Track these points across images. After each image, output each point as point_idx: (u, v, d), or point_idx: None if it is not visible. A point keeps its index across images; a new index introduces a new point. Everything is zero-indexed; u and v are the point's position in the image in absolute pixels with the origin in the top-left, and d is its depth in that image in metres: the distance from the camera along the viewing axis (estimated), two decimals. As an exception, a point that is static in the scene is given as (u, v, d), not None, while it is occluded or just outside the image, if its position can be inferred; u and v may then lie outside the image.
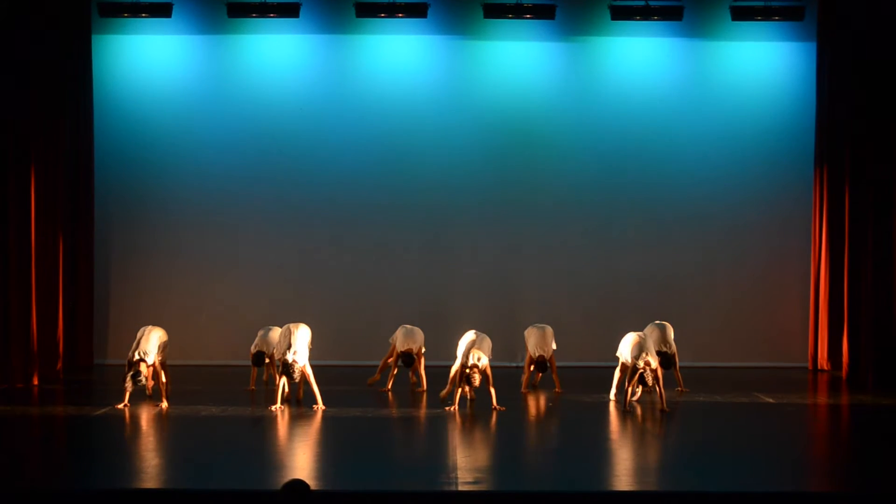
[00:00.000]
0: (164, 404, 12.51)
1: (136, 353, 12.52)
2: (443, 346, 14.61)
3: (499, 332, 15.81)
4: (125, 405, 12.43)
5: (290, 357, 12.42)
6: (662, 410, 12.46)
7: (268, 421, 12.07)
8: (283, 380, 12.50)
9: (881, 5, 14.69)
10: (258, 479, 9.43)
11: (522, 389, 13.81)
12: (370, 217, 16.51)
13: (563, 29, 16.40)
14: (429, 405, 13.00)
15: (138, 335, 12.77)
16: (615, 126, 16.49)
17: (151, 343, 12.67)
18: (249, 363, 14.02)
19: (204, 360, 15.92)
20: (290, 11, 15.81)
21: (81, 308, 15.90)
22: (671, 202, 16.53)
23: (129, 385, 12.40)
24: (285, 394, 12.57)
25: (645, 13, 15.84)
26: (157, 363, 12.62)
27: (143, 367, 12.42)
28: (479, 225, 16.54)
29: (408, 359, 13.70)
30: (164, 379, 12.64)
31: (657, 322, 13.81)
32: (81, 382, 14.86)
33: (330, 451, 10.88)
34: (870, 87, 14.80)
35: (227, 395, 13.38)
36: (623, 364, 12.92)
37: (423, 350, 13.90)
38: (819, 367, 15.96)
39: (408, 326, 13.95)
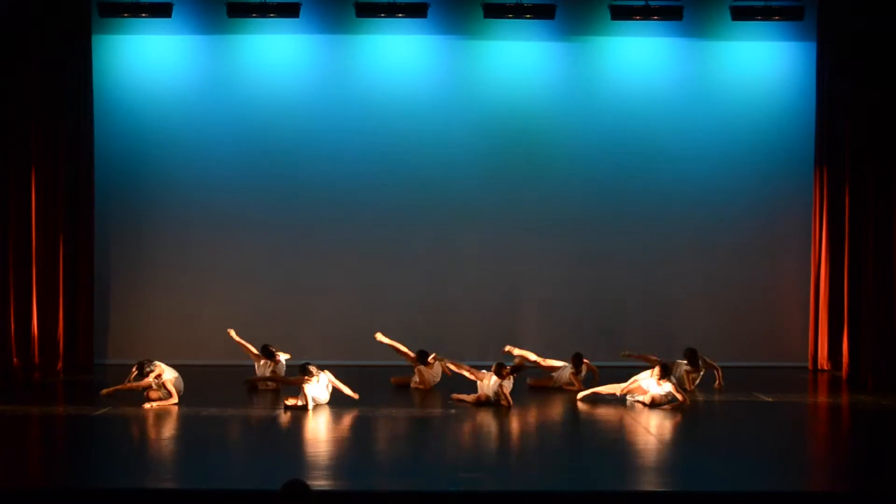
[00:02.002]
0: (174, 400, 12.62)
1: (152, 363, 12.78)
2: (444, 344, 14.62)
3: (500, 332, 15.85)
4: (129, 382, 12.63)
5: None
6: (681, 406, 12.54)
7: (268, 421, 12.08)
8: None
9: (881, 5, 14.69)
10: (258, 479, 9.42)
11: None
12: (370, 215, 16.50)
13: (563, 29, 16.39)
14: (430, 405, 13.01)
15: None
16: (615, 126, 16.48)
17: (169, 368, 12.85)
18: (250, 363, 14.10)
19: (204, 360, 15.90)
20: (290, 11, 15.80)
21: (81, 308, 15.88)
22: (671, 201, 16.52)
23: (133, 371, 12.66)
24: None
25: (645, 13, 15.84)
26: (166, 383, 12.72)
27: (157, 368, 12.64)
28: (479, 223, 16.53)
29: (422, 355, 13.91)
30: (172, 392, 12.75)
31: None
32: (81, 382, 14.86)
33: (330, 450, 10.87)
34: (869, 86, 14.79)
35: (227, 395, 13.37)
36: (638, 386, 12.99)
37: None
38: (819, 367, 15.96)
39: None
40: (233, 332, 14.42)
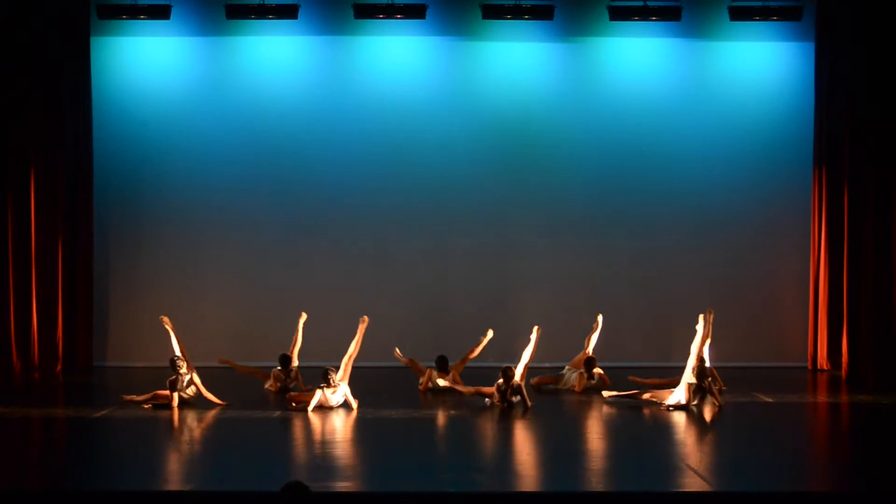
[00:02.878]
0: (175, 402, 12.62)
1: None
2: (442, 346, 14.62)
3: (498, 332, 15.83)
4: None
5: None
6: (684, 408, 12.55)
7: (267, 422, 12.08)
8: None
9: (879, 5, 14.69)
10: (258, 481, 9.42)
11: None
12: (369, 217, 16.51)
13: (562, 29, 16.41)
14: (429, 406, 13.01)
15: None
16: (614, 127, 16.49)
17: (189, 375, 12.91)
18: (249, 364, 14.10)
19: (205, 361, 15.86)
20: (288, 13, 15.81)
21: (81, 310, 15.89)
22: (670, 202, 16.54)
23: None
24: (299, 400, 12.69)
25: (643, 13, 15.85)
26: (171, 395, 12.74)
27: (193, 376, 12.75)
28: (478, 225, 16.55)
29: (441, 362, 13.92)
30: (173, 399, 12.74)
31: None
32: (81, 384, 14.86)
33: (330, 451, 10.87)
34: (868, 86, 14.79)
35: (227, 397, 13.35)
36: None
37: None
38: (819, 367, 15.97)
39: None
40: (303, 317, 14.39)
